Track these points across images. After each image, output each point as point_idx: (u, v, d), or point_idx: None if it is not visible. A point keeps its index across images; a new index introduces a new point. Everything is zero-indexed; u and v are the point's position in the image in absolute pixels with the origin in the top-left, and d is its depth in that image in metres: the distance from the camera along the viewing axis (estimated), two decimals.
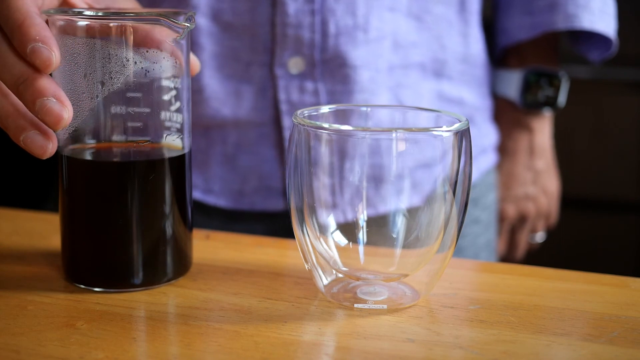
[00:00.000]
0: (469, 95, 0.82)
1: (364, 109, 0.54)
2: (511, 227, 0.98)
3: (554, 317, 0.50)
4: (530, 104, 0.90)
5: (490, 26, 0.93)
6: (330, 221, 0.50)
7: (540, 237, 1.00)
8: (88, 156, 0.52)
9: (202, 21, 0.71)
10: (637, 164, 1.66)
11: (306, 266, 0.52)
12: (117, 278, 0.52)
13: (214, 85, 0.72)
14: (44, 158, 0.48)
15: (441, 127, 0.47)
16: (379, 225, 0.49)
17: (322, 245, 0.50)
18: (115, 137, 0.51)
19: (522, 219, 0.97)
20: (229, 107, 0.73)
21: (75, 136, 0.51)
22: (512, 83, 0.90)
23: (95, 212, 0.51)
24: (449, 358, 0.44)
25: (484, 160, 0.86)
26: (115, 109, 0.51)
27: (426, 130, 0.48)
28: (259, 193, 0.76)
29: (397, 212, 0.49)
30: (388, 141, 0.47)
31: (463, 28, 0.79)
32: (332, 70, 0.72)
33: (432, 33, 0.76)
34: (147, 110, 0.51)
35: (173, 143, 0.53)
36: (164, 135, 0.52)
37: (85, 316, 0.48)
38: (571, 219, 1.72)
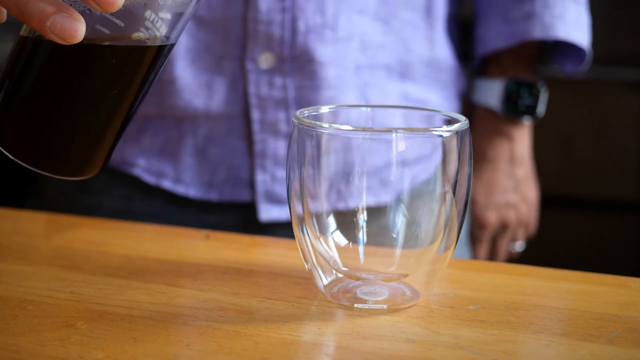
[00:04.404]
0: (432, 97, 0.84)
1: (364, 109, 0.54)
2: (492, 235, 0.99)
3: (554, 317, 0.50)
4: (511, 113, 0.92)
5: (469, 35, 0.94)
6: (330, 221, 0.50)
7: (519, 246, 1.02)
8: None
9: None
10: (637, 164, 1.66)
11: (306, 266, 0.52)
12: (39, 155, 0.48)
13: (186, 77, 0.74)
14: (74, 42, 0.44)
15: (441, 127, 0.47)
16: (380, 224, 0.49)
17: (322, 245, 0.50)
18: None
19: (503, 227, 0.99)
20: (201, 99, 0.75)
21: None
22: (493, 92, 0.93)
23: (45, 87, 0.48)
24: (449, 358, 0.44)
25: None
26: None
27: (426, 130, 0.48)
28: (228, 183, 0.78)
29: (398, 210, 0.49)
30: (388, 141, 0.47)
31: (429, 33, 0.82)
32: (300, 66, 0.74)
33: (399, 36, 0.79)
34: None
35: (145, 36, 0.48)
36: (140, 32, 0.48)
37: (85, 316, 0.48)
38: (571, 219, 1.72)
